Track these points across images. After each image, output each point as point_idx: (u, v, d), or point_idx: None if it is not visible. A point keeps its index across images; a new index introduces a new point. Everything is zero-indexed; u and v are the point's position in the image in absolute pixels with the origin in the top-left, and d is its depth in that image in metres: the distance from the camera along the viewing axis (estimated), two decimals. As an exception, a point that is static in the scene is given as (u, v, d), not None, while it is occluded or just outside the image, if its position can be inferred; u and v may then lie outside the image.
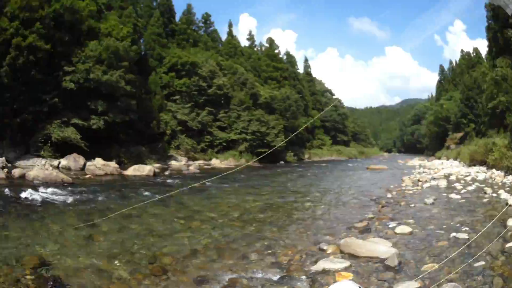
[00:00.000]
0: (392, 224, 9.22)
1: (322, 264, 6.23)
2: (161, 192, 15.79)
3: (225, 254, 7.48)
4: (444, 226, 8.78)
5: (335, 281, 5.29)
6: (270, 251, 7.57)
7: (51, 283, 5.66)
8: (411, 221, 9.58)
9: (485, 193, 14.19)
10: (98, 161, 27.37)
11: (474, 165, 29.28)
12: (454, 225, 8.86)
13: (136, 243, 8.20)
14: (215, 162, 44.96)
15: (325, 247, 7.44)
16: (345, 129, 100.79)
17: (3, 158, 23.54)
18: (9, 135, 28.09)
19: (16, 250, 7.19)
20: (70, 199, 13.64)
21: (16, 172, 20.14)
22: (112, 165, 27.03)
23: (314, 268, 6.22)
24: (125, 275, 6.20)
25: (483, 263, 5.69)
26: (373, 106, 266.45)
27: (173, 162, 38.92)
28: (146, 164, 30.08)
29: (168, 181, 22.75)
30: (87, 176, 22.72)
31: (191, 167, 35.23)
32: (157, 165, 32.21)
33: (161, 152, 39.12)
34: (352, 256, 6.63)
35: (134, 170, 25.86)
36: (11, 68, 26.96)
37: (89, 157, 28.24)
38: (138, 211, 11.33)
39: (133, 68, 35.06)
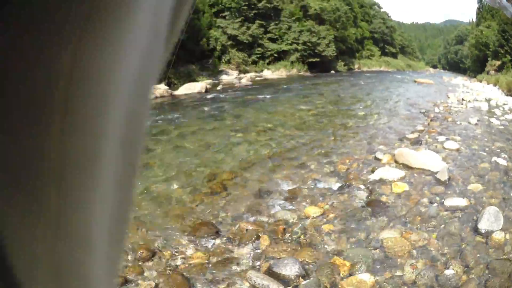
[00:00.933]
0: (441, 138, 9.36)
1: (378, 173, 6.40)
2: (216, 107, 15.53)
3: (284, 165, 7.34)
4: (486, 149, 8.76)
5: (391, 191, 5.73)
6: (328, 160, 7.51)
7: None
8: (457, 138, 9.65)
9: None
10: None
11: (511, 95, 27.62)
12: (495, 149, 8.80)
13: (193, 162, 7.98)
14: (267, 73, 44.29)
15: (380, 156, 7.51)
16: (393, 41, 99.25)
17: None
18: None
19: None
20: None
21: None
22: (162, 87, 26.59)
23: (372, 177, 6.35)
24: (185, 197, 6.01)
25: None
26: (419, 22, 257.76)
27: (224, 77, 38.44)
28: (197, 81, 29.72)
29: (221, 95, 22.43)
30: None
31: (242, 80, 34.65)
32: (208, 81, 31.72)
33: (211, 68, 38.76)
34: (406, 167, 6.78)
35: (185, 89, 25.53)
36: None
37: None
38: (192, 128, 11.13)
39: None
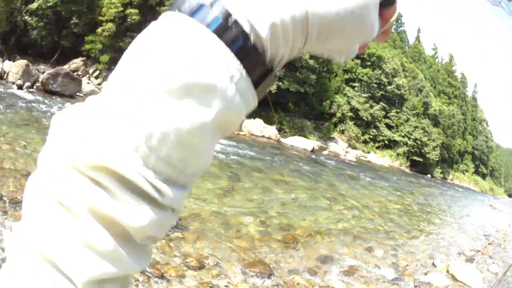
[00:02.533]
0: (489, 261, 9.61)
1: (429, 278, 6.78)
2: (316, 169, 15.85)
3: (354, 242, 7.59)
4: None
5: None
6: (393, 252, 7.78)
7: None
8: (501, 263, 9.68)
9: None
10: (259, 122, 26.80)
11: None
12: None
13: (276, 206, 8.33)
14: (372, 157, 44.05)
15: (437, 263, 7.83)
16: (487, 161, 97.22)
17: None
18: None
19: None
20: (222, 149, 14.20)
21: None
22: (272, 130, 27.19)
23: (423, 278, 6.67)
24: (255, 234, 6.32)
25: None
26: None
27: (332, 144, 38.78)
28: (307, 138, 30.23)
29: (325, 160, 22.73)
30: (243, 133, 23.45)
31: (348, 154, 34.70)
32: (317, 142, 32.18)
33: (324, 132, 39.25)
34: (452, 278, 7.08)
35: (293, 140, 26.06)
36: None
37: (249, 115, 29.06)
38: (286, 178, 11.51)
39: (319, 42, 35.25)
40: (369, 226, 9.36)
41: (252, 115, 28.99)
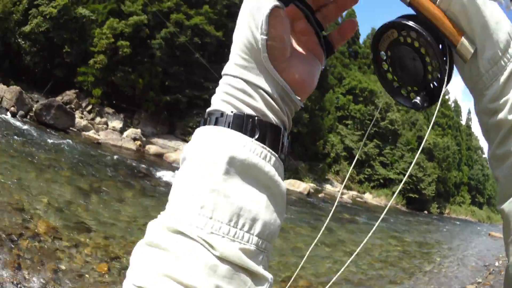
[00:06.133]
0: None
1: None
2: (313, 214, 16.01)
3: None
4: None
5: None
6: None
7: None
8: None
9: None
10: None
11: None
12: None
13: (275, 259, 8.41)
14: (368, 197, 44.16)
15: None
16: (484, 190, 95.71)
17: (139, 130, 25.43)
18: (151, 109, 29.44)
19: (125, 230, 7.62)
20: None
21: (151, 148, 21.53)
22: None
23: None
24: None
25: None
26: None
27: (328, 186, 38.86)
28: (302, 181, 30.36)
29: (321, 204, 22.89)
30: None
31: (344, 196, 34.88)
32: (312, 185, 32.38)
33: (319, 173, 39.24)
34: None
35: (288, 184, 26.22)
36: (167, 43, 28.57)
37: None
38: (283, 226, 11.63)
39: (312, 81, 35.48)
40: (371, 273, 9.49)
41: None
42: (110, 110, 28.66)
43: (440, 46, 0.61)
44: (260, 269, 0.51)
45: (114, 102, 29.27)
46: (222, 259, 0.48)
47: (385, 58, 0.70)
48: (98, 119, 26.87)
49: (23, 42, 28.90)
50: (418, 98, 0.65)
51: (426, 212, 51.10)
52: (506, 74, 0.58)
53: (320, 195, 28.27)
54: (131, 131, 25.08)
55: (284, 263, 8.30)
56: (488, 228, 57.75)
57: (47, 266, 5.00)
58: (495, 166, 0.66)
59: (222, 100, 0.57)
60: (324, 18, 0.64)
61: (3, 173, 8.15)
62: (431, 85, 0.65)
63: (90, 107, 28.36)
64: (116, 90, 29.24)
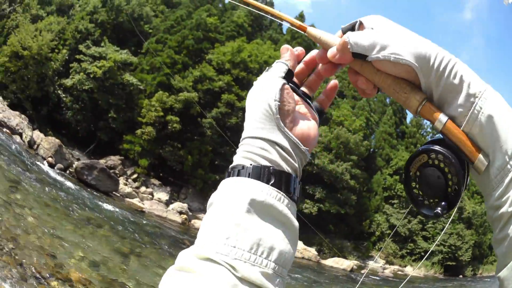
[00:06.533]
0: None
1: None
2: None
3: None
4: None
5: None
6: None
7: None
8: None
9: None
10: (299, 244, 27.13)
11: None
12: None
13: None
14: (409, 269, 42.61)
15: None
16: None
17: (185, 204, 25.20)
18: (199, 186, 28.90)
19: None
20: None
21: (196, 223, 21.38)
22: (312, 251, 27.06)
23: None
24: None
25: None
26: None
27: (371, 262, 37.70)
28: (347, 258, 29.54)
29: (365, 279, 21.95)
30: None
31: (386, 271, 34.33)
32: (356, 262, 31.46)
33: (363, 251, 38.32)
34: None
35: (333, 262, 25.74)
36: (218, 123, 28.32)
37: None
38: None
39: (360, 163, 35.20)
40: None
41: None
42: (157, 182, 28.25)
43: (459, 163, 0.74)
44: None
45: (161, 174, 29.17)
46: (243, 280, 0.59)
47: (414, 177, 0.84)
48: (143, 189, 26.44)
49: (63, 95, 28.58)
50: (439, 208, 0.80)
51: (461, 276, 49.55)
52: (510, 176, 0.68)
53: (362, 271, 27.40)
54: (177, 205, 24.99)
55: None
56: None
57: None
58: (496, 247, 0.76)
59: (242, 157, 0.73)
60: (309, 89, 0.88)
61: (36, 217, 8.07)
62: (450, 195, 0.78)
63: (135, 175, 27.80)
64: (163, 163, 29.19)
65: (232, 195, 0.66)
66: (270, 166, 0.69)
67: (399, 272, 38.37)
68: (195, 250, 0.61)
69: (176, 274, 0.59)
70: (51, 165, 18.62)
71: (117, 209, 15.67)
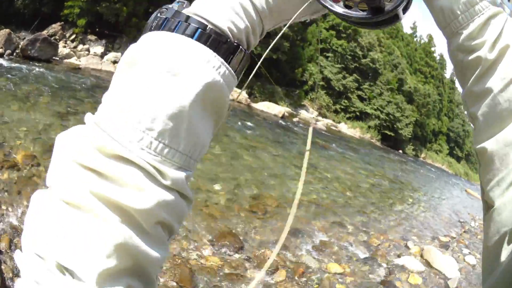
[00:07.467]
0: (465, 251, 9.71)
1: (403, 260, 6.72)
2: (286, 136, 15.68)
3: (325, 216, 7.51)
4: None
5: (407, 280, 5.99)
6: (365, 229, 7.76)
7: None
8: (478, 255, 9.78)
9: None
10: None
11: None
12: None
13: (245, 174, 8.12)
14: (343, 127, 44.36)
15: (411, 246, 7.85)
16: (463, 145, 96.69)
17: (119, 53, 26.23)
18: (133, 34, 29.12)
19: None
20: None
21: None
22: (243, 94, 27.11)
23: (396, 261, 6.62)
24: (224, 202, 6.16)
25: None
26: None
27: (303, 112, 38.54)
28: (277, 104, 30.04)
29: (294, 127, 22.52)
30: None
31: (319, 123, 34.83)
32: (287, 109, 31.97)
33: (295, 99, 39.03)
34: (427, 263, 7.05)
35: (263, 106, 25.99)
36: None
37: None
38: (257, 144, 11.30)
39: (296, 13, 34.55)
40: (340, 200, 9.27)
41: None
42: (93, 37, 28.16)
43: None
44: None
45: (97, 29, 28.71)
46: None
47: None
48: (80, 47, 26.58)
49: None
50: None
51: (401, 151, 52.06)
52: (483, 18, 0.60)
53: (294, 119, 27.95)
54: (111, 55, 25.37)
55: (253, 180, 7.96)
56: (465, 184, 59.15)
57: (23, 194, 4.65)
58: (471, 103, 0.66)
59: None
60: None
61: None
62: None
63: (73, 36, 27.86)
64: (100, 19, 28.56)
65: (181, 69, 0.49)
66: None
67: (333, 128, 39.57)
68: (99, 139, 0.45)
69: (77, 170, 0.44)
70: (1, 55, 18.85)
71: (55, 73, 15.70)
